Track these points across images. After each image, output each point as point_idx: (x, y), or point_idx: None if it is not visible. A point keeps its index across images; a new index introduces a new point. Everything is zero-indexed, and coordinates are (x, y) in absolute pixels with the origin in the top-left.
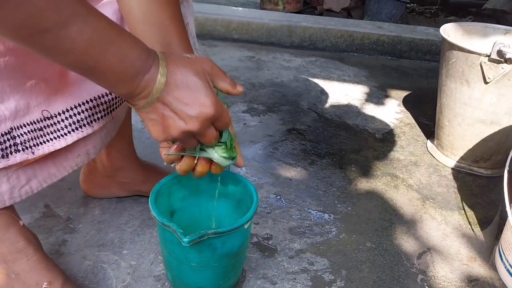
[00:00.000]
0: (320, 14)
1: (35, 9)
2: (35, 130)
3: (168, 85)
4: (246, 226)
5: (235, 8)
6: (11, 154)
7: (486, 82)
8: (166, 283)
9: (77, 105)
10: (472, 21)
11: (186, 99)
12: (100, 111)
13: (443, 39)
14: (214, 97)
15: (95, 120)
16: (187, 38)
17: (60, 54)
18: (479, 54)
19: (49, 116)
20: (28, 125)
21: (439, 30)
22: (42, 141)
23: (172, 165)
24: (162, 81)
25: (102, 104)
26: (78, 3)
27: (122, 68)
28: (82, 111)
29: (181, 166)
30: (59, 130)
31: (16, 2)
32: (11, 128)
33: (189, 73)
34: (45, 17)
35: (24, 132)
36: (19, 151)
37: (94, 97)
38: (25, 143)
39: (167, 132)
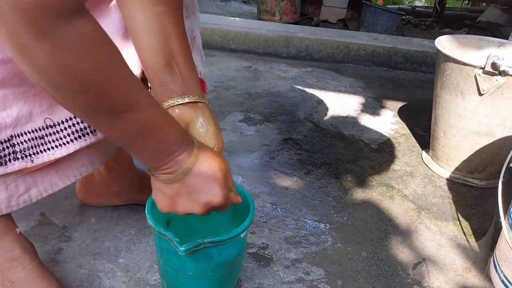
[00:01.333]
0: (317, 25)
1: (111, 93)
2: (36, 138)
3: (193, 171)
4: (242, 235)
5: (233, 18)
6: (10, 162)
7: (480, 94)
8: None
9: None
10: (467, 33)
11: (203, 186)
12: None
13: (438, 51)
14: (227, 192)
15: None
16: (188, 47)
17: (113, 131)
18: (474, 66)
19: (51, 124)
20: (29, 133)
21: (434, 42)
22: (42, 149)
23: None
24: (190, 167)
25: None
26: (143, 93)
27: (162, 148)
28: None
29: None
30: (61, 138)
31: (97, 87)
32: (11, 136)
33: (214, 166)
34: (116, 101)
35: (25, 140)
36: (17, 159)
37: None
38: (24, 151)
39: (172, 207)
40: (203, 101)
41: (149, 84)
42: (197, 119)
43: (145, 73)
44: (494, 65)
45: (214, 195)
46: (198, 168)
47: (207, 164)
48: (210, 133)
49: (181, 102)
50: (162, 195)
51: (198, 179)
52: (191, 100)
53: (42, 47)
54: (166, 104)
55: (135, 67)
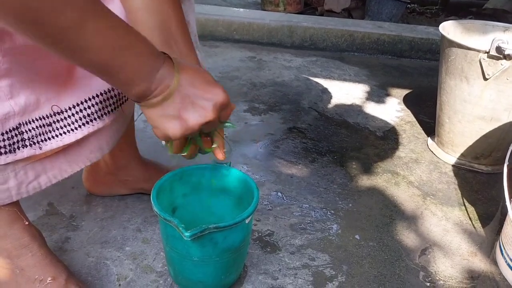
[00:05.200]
0: (321, 14)
1: (53, 8)
2: (43, 125)
3: (184, 79)
4: (247, 221)
5: (236, 9)
6: (18, 149)
7: (485, 79)
8: (168, 279)
9: (87, 99)
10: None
11: (200, 89)
12: (110, 105)
13: (443, 37)
14: (222, 86)
15: (105, 113)
16: (186, 26)
17: (78, 52)
18: (478, 51)
19: (59, 111)
20: (37, 120)
21: (439, 28)
22: (50, 136)
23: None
24: (178, 76)
25: (112, 97)
26: (93, 3)
27: (139, 63)
28: (93, 105)
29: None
30: (69, 125)
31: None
32: (19, 124)
33: (198, 70)
34: (63, 15)
35: (32, 128)
36: (26, 146)
37: (104, 91)
38: (32, 138)
39: (184, 125)
40: None
41: None
42: None
43: None
44: (499, 49)
45: (216, 93)
46: (187, 75)
47: (192, 70)
48: None
49: None
50: (168, 120)
51: (193, 85)
52: None
53: None
54: None
55: None
